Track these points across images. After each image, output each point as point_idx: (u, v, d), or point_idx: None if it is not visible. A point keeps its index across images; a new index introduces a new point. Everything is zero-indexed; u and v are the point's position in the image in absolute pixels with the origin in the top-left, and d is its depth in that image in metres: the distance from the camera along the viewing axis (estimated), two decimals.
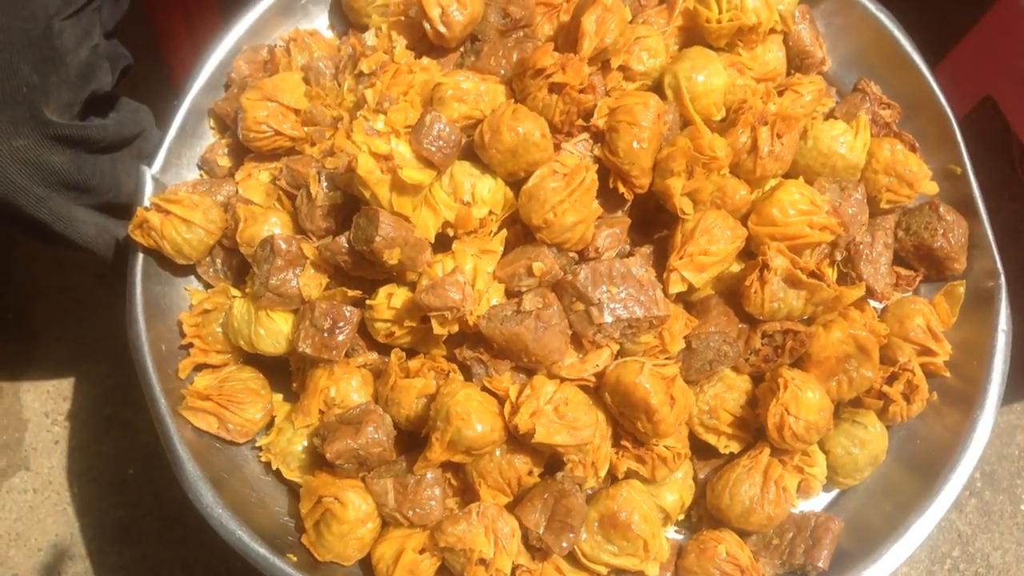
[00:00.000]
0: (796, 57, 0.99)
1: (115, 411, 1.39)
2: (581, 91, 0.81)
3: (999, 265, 0.90)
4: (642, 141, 0.80)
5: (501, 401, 0.77)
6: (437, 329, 0.77)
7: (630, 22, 0.96)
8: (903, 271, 0.92)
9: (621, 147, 0.80)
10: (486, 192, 0.80)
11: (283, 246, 0.81)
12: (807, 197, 0.83)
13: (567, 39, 0.87)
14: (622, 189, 0.82)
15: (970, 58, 1.54)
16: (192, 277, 0.92)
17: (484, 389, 0.78)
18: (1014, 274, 1.53)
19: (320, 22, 1.02)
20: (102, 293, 1.46)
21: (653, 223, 0.87)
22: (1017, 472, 1.43)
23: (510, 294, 0.80)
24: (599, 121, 0.82)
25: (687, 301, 0.86)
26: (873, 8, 1.00)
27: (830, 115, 0.97)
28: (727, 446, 0.83)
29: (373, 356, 0.83)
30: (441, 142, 0.78)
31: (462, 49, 0.91)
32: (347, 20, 1.00)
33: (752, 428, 0.83)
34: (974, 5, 1.53)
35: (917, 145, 0.95)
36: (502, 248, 0.81)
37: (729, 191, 0.84)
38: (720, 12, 0.91)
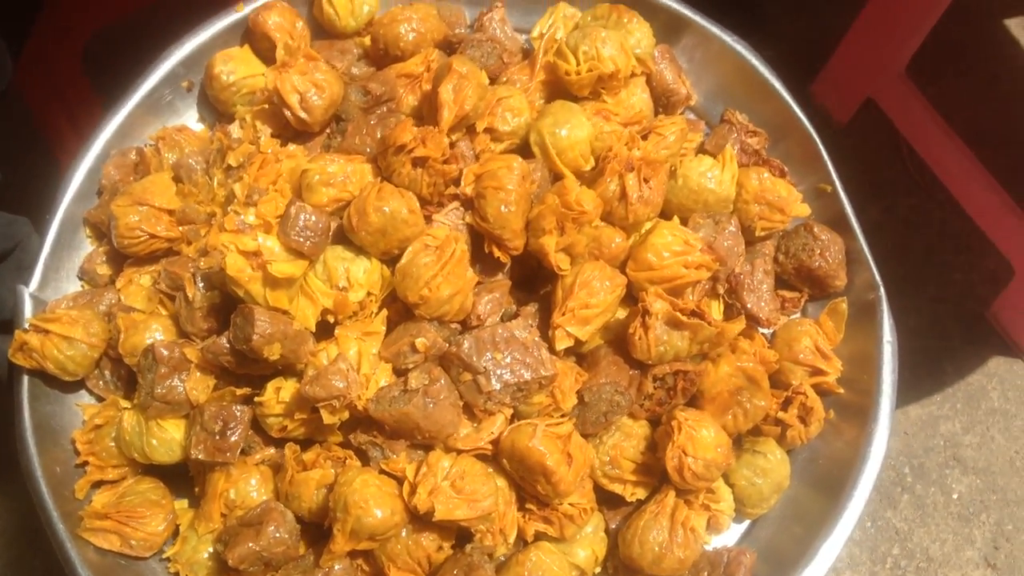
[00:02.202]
0: (662, 96, 1.01)
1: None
2: (444, 162, 0.82)
3: (877, 277, 0.92)
4: (509, 204, 0.81)
5: (400, 482, 0.77)
6: (327, 419, 0.76)
7: (495, 81, 0.98)
8: (788, 294, 0.94)
9: (490, 212, 0.81)
10: (361, 274, 0.80)
11: (165, 353, 0.80)
12: (680, 238, 0.85)
13: (431, 109, 0.88)
14: (497, 253, 0.83)
15: (848, 63, 1.59)
16: (83, 391, 0.91)
17: (382, 472, 0.78)
18: (914, 267, 1.58)
19: (189, 116, 1.02)
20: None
21: (537, 279, 0.88)
22: (945, 462, 1.46)
23: (398, 372, 0.80)
24: (467, 189, 0.83)
25: (578, 353, 0.87)
26: (730, 40, 1.02)
27: (701, 148, 0.99)
28: (633, 493, 0.83)
29: (271, 451, 0.83)
30: (308, 231, 0.78)
31: (328, 131, 0.91)
32: (217, 111, 1.00)
33: (656, 472, 0.83)
34: (849, 10, 1.58)
35: (786, 169, 0.97)
36: (384, 328, 0.81)
37: (605, 240, 0.85)
38: (578, 64, 0.92)
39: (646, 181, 0.86)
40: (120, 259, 0.92)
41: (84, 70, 1.39)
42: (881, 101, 1.56)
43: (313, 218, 0.78)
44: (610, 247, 0.85)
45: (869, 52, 1.54)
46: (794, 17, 1.79)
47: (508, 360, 0.79)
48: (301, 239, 0.77)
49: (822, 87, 1.67)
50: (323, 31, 1.02)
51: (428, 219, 0.84)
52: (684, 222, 0.91)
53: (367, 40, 0.99)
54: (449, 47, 1.02)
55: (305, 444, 0.82)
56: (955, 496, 1.43)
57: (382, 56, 0.97)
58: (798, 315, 0.96)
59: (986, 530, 1.41)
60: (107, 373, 0.89)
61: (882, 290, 0.92)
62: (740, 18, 1.74)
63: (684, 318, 0.81)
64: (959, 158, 1.45)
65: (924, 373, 1.52)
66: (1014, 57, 1.75)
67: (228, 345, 0.78)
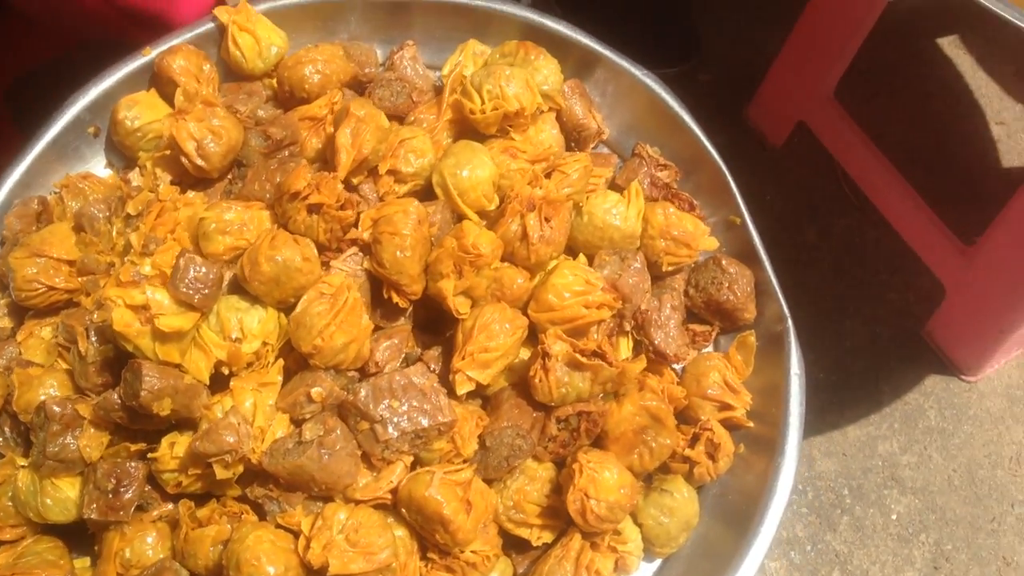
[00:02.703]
0: (573, 131, 1.01)
1: None
2: (340, 207, 0.82)
3: (785, 309, 0.92)
4: (405, 250, 0.80)
5: (296, 536, 0.76)
6: (220, 474, 0.75)
7: (404, 120, 0.98)
8: (698, 327, 0.94)
9: (386, 258, 0.80)
10: (255, 325, 0.79)
11: (57, 410, 0.78)
12: (581, 277, 0.84)
13: (331, 153, 0.87)
14: (396, 299, 0.82)
15: (779, 88, 1.60)
16: None
17: (279, 526, 0.76)
18: (851, 287, 1.58)
19: (96, 162, 1.00)
20: None
21: (443, 321, 0.87)
22: (883, 483, 1.46)
23: (296, 423, 0.79)
24: (364, 234, 0.83)
25: (484, 396, 0.86)
26: (639, 75, 1.02)
27: (612, 183, 0.99)
28: (539, 537, 0.82)
29: (169, 507, 0.81)
30: (199, 283, 0.77)
31: (230, 176, 0.91)
32: (125, 156, 0.99)
33: (563, 515, 0.83)
34: (782, 35, 1.59)
35: (695, 202, 0.97)
36: (281, 378, 0.80)
37: (507, 281, 0.85)
38: (483, 102, 0.92)
39: (547, 220, 0.85)
40: (21, 312, 0.91)
41: (8, 115, 1.37)
42: (812, 124, 1.58)
43: (203, 270, 0.77)
44: (512, 288, 0.84)
45: (798, 77, 1.55)
46: (730, 41, 1.80)
47: (405, 408, 0.78)
48: (191, 291, 0.76)
49: (756, 111, 1.69)
50: (233, 73, 1.01)
51: (326, 265, 0.83)
52: (591, 259, 0.91)
53: (275, 82, 0.99)
54: (360, 87, 1.02)
55: (204, 498, 0.81)
56: (894, 517, 1.43)
57: (289, 98, 0.96)
58: (710, 348, 0.95)
59: (925, 550, 1.42)
60: (6, 429, 0.87)
61: (790, 322, 0.92)
62: (678, 43, 1.76)
63: (584, 359, 0.80)
64: (888, 180, 1.47)
65: (862, 394, 1.52)
66: (945, 76, 1.77)
67: (119, 401, 0.77)
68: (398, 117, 0.99)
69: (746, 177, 1.68)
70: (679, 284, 0.94)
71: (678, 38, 1.76)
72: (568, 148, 1.02)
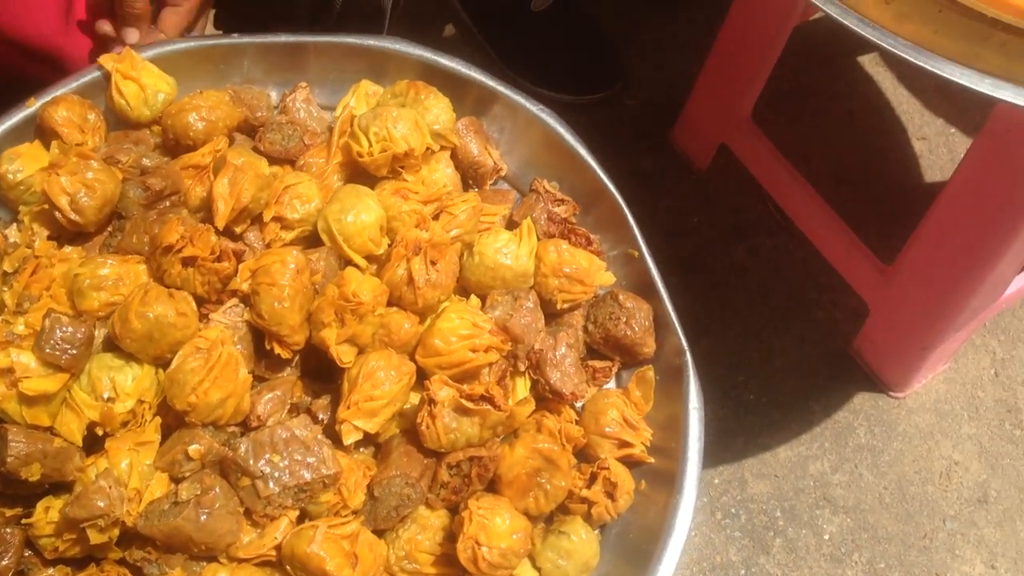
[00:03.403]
0: (469, 169, 1.00)
1: None
2: (216, 259, 0.80)
3: (684, 342, 0.91)
4: (283, 300, 0.79)
5: None
6: (95, 538, 0.73)
7: (296, 164, 0.97)
8: (598, 363, 0.93)
9: (264, 309, 0.79)
10: (129, 383, 0.77)
11: None
12: (468, 321, 0.83)
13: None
14: (278, 350, 0.81)
15: (699, 111, 1.61)
16: None
17: None
18: (779, 307, 1.59)
19: None
20: None
21: (334, 368, 0.86)
22: (815, 503, 1.45)
23: (176, 481, 0.78)
24: (243, 285, 0.81)
25: (377, 443, 0.85)
26: (535, 110, 1.02)
27: (510, 219, 0.98)
28: None
29: (50, 572, 0.79)
30: (66, 344, 0.75)
31: (110, 229, 0.89)
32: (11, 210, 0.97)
33: (458, 562, 0.81)
34: (702, 59, 1.60)
35: (592, 237, 0.97)
36: (159, 436, 0.78)
37: (394, 327, 0.83)
38: (370, 145, 0.91)
39: (433, 264, 0.84)
40: None
41: None
42: (733, 147, 1.58)
43: (70, 330, 0.75)
44: (400, 334, 0.83)
45: (716, 101, 1.56)
46: (655, 66, 1.81)
47: (287, 462, 0.76)
48: (57, 352, 0.74)
49: (681, 134, 1.69)
50: (122, 121, 1.00)
51: (205, 318, 0.81)
52: (484, 299, 0.90)
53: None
54: (251, 131, 1.00)
55: (84, 562, 0.79)
56: (826, 537, 1.43)
57: (175, 146, 0.95)
58: (612, 384, 0.95)
59: (859, 570, 1.41)
60: None
61: (688, 355, 0.91)
62: (602, 69, 1.77)
63: (471, 404, 0.79)
64: (808, 200, 1.47)
65: (793, 414, 1.52)
66: (867, 93, 1.78)
67: None
68: (290, 161, 0.98)
69: (673, 200, 1.70)
70: (577, 320, 0.94)
71: (602, 65, 1.76)
72: (465, 186, 1.01)
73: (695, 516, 1.38)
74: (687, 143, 1.68)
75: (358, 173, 0.95)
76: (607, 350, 0.93)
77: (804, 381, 1.54)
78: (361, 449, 0.85)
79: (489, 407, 0.80)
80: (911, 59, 0.83)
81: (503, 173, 1.03)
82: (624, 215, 0.97)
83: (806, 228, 1.50)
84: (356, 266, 0.87)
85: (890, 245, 1.44)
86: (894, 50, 0.84)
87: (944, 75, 0.82)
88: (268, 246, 0.88)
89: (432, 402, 0.79)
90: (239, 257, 0.86)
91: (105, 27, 1.01)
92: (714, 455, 1.49)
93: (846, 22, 0.85)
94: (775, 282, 1.62)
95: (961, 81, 0.82)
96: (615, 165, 1.72)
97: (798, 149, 1.69)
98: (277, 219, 0.88)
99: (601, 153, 1.75)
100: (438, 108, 0.97)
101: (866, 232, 1.57)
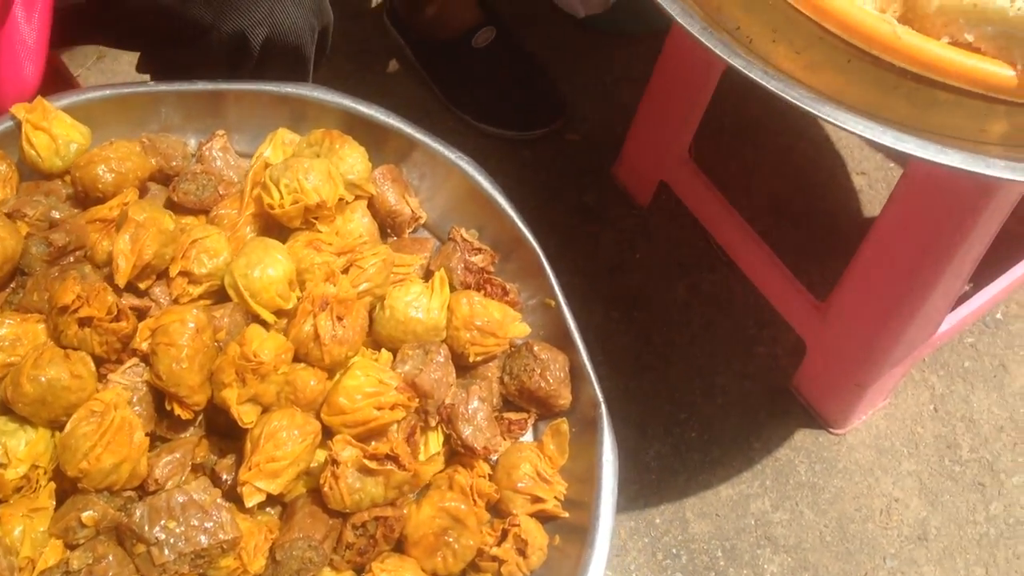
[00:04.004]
0: (387, 218, 1.00)
1: None
2: (114, 319, 0.79)
3: (599, 394, 0.91)
4: (181, 361, 0.78)
5: None
6: None
7: (209, 214, 0.95)
8: (514, 416, 0.92)
9: (163, 370, 0.78)
10: (22, 448, 0.76)
11: None
12: (374, 378, 0.82)
13: None
14: (178, 411, 0.79)
15: (638, 149, 1.61)
16: None
17: None
18: (721, 344, 1.59)
19: None
20: None
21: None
22: (756, 542, 1.45)
23: (72, 548, 0.76)
24: (142, 344, 0.80)
25: (283, 503, 0.83)
26: (454, 158, 1.01)
27: (427, 269, 0.98)
28: None
29: None
30: None
31: (13, 285, 0.87)
32: None
33: None
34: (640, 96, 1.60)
35: (509, 287, 0.96)
36: (54, 502, 0.77)
37: (300, 385, 0.82)
38: (281, 197, 0.90)
39: (340, 319, 0.83)
40: None
41: None
42: (672, 184, 1.59)
43: None
44: (306, 391, 0.82)
45: (654, 138, 1.57)
46: (595, 101, 1.82)
47: (183, 528, 0.75)
48: None
49: (622, 170, 1.69)
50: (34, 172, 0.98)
51: (104, 378, 0.80)
52: (396, 353, 0.89)
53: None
54: (167, 180, 0.99)
55: None
56: None
57: (85, 198, 0.93)
58: (529, 435, 0.94)
59: None
60: None
61: (603, 407, 0.90)
62: (542, 106, 1.77)
63: (374, 465, 0.78)
64: (744, 237, 1.48)
65: (734, 451, 1.52)
66: (808, 129, 1.80)
67: None
68: (204, 211, 0.96)
69: (616, 235, 1.70)
70: (492, 372, 0.93)
71: (544, 101, 1.77)
72: (384, 235, 1.01)
73: (635, 559, 1.38)
74: (628, 179, 1.68)
75: (271, 224, 0.94)
76: (523, 402, 0.93)
77: (745, 418, 1.54)
78: (268, 509, 0.83)
79: (393, 467, 0.78)
80: (811, 111, 0.83)
81: (423, 221, 1.02)
82: (542, 264, 0.97)
83: (744, 265, 1.51)
84: (264, 322, 0.85)
85: (830, 280, 1.45)
86: (795, 102, 0.84)
87: (844, 127, 0.82)
88: (175, 301, 0.87)
89: (335, 462, 0.78)
90: (143, 314, 0.84)
91: None
92: (656, 494, 1.48)
93: (751, 75, 0.85)
94: (717, 318, 1.62)
95: (862, 133, 0.82)
96: (558, 200, 1.74)
97: (739, 183, 1.71)
98: (184, 274, 0.86)
99: (544, 188, 1.76)
100: (353, 157, 0.96)
101: (806, 267, 1.58)
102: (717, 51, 0.87)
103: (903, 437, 1.52)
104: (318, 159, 0.94)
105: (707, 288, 1.64)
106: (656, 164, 1.58)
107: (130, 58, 1.26)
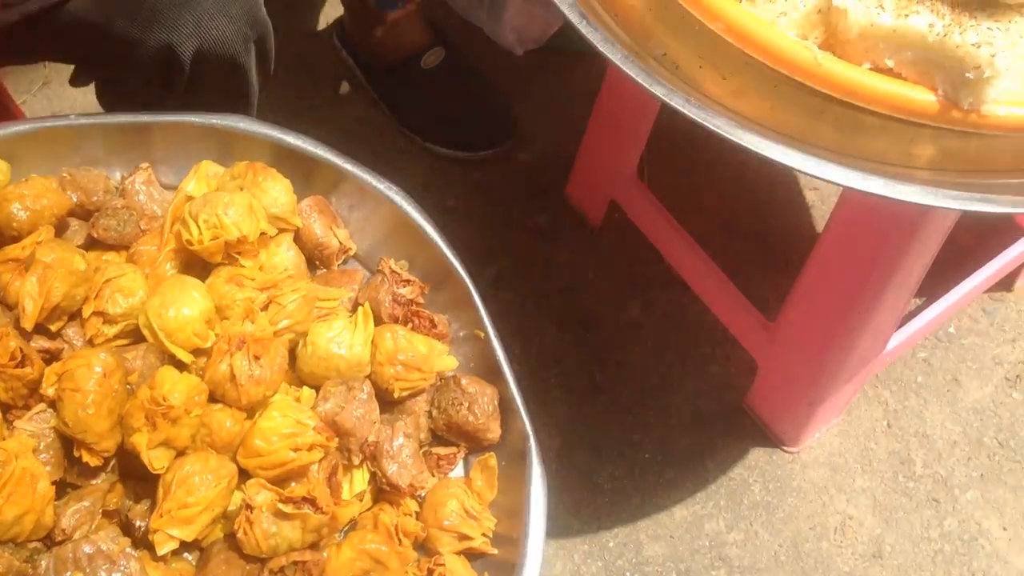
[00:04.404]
0: (314, 250, 0.98)
1: None
2: (18, 364, 0.77)
3: (528, 427, 0.89)
4: (88, 407, 0.76)
5: None
6: None
7: (129, 250, 0.94)
8: (443, 451, 0.91)
9: (69, 417, 0.76)
10: None
11: None
12: (291, 419, 0.80)
13: None
14: (87, 458, 0.77)
15: (588, 169, 1.60)
16: None
17: None
18: (674, 362, 1.57)
19: None
20: None
21: None
22: (711, 563, 1.44)
23: None
24: (48, 390, 0.78)
25: (202, 547, 0.81)
26: (382, 188, 1.00)
27: (355, 302, 0.96)
28: None
29: None
30: None
31: None
32: None
33: None
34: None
35: (438, 319, 0.95)
36: None
37: (216, 427, 0.80)
38: (200, 232, 0.89)
39: (257, 359, 0.82)
40: None
41: None
42: (622, 203, 1.58)
43: None
44: (222, 433, 0.80)
45: (602, 158, 1.56)
46: (546, 120, 1.81)
47: None
48: None
49: (574, 189, 1.68)
50: None
51: (11, 425, 0.78)
52: (319, 390, 0.87)
53: None
54: (88, 216, 0.97)
55: None
56: None
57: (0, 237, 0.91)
58: (460, 469, 0.92)
59: None
60: None
61: (532, 440, 0.89)
62: (492, 125, 1.76)
63: (289, 509, 0.76)
64: (694, 257, 1.47)
65: (688, 471, 1.51)
66: None
67: None
68: (125, 247, 0.95)
69: (569, 255, 1.69)
70: (419, 407, 0.91)
71: (495, 120, 1.76)
72: (312, 267, 0.99)
73: None
74: (580, 199, 1.67)
75: (193, 260, 0.92)
76: (451, 436, 0.91)
77: (699, 438, 1.53)
78: (186, 555, 0.81)
79: (310, 510, 0.77)
80: (731, 138, 0.82)
81: (352, 252, 1.01)
82: (471, 295, 0.95)
83: (694, 285, 1.50)
84: (180, 362, 0.83)
85: (783, 296, 1.44)
86: (716, 130, 0.83)
87: (765, 154, 0.81)
88: (90, 343, 0.85)
89: (249, 507, 0.76)
90: (55, 357, 0.82)
91: None
92: (609, 516, 1.47)
93: (672, 103, 0.84)
94: (670, 337, 1.61)
95: (783, 160, 0.82)
96: (511, 221, 1.72)
97: (691, 200, 1.70)
98: (99, 314, 0.85)
99: (496, 209, 1.74)
100: (276, 190, 0.95)
101: (758, 284, 1.57)
102: (639, 80, 0.86)
103: (857, 454, 1.51)
104: (239, 193, 0.92)
105: (660, 307, 1.63)
106: (606, 184, 1.57)
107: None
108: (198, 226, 0.89)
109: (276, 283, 0.90)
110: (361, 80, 1.82)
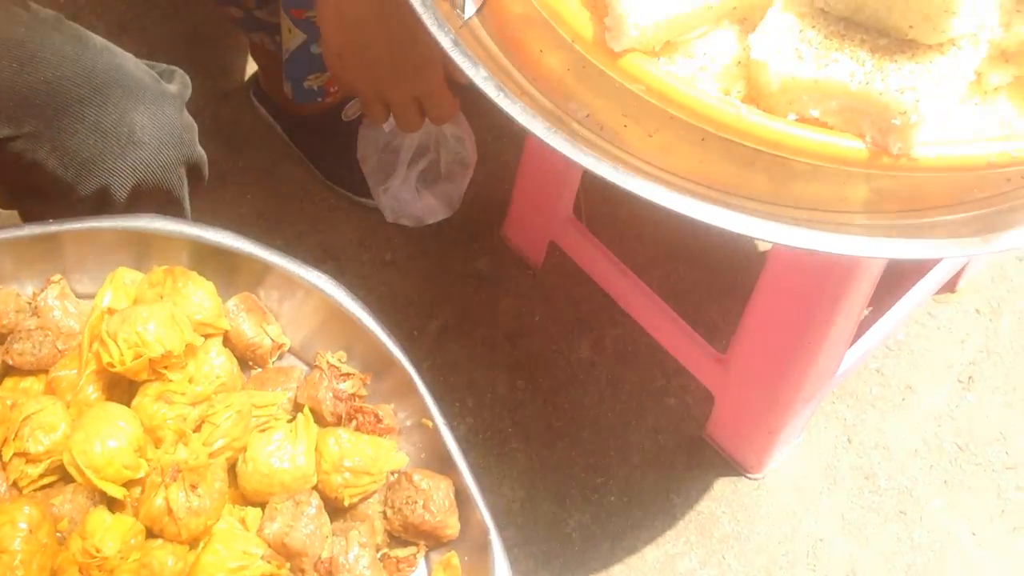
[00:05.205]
0: (247, 351, 0.94)
1: None
2: None
3: (487, 519, 0.86)
4: (16, 569, 0.71)
5: None
6: None
7: (49, 374, 0.88)
8: (402, 553, 0.87)
9: None
10: None
11: None
12: (236, 550, 0.76)
13: None
14: None
15: (524, 210, 1.57)
16: None
17: None
18: (630, 398, 1.55)
19: None
20: None
21: None
22: None
23: None
24: None
25: None
26: (310, 277, 0.96)
27: (296, 402, 0.92)
28: None
29: None
30: None
31: None
32: None
33: None
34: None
35: (382, 412, 0.91)
36: None
37: (156, 567, 0.76)
38: (121, 353, 0.84)
39: (194, 488, 0.77)
40: None
41: None
42: (561, 244, 1.55)
43: None
44: (163, 573, 0.76)
45: (537, 199, 1.53)
46: (478, 162, 1.77)
47: None
48: None
49: (511, 231, 1.66)
50: None
51: None
52: (264, 507, 0.83)
53: None
54: (2, 340, 0.92)
55: None
56: None
57: None
58: (422, 568, 0.88)
59: None
60: None
61: (494, 533, 0.85)
62: None
63: None
64: (638, 293, 1.45)
65: (655, 510, 1.49)
66: None
67: None
68: (43, 371, 0.89)
69: (513, 300, 1.66)
70: (373, 508, 0.87)
71: None
72: (244, 367, 0.94)
73: None
74: (519, 240, 1.64)
75: (117, 379, 0.87)
76: (409, 536, 0.87)
77: (663, 473, 1.51)
78: None
79: None
80: (661, 204, 0.80)
81: (286, 348, 0.96)
82: (415, 384, 0.92)
83: (643, 322, 1.48)
84: (112, 498, 0.79)
85: (731, 320, 1.43)
86: (639, 193, 0.81)
87: (689, 215, 0.80)
88: (14, 486, 0.79)
89: None
90: None
91: None
92: (581, 566, 1.44)
93: (599, 172, 0.82)
94: (623, 373, 1.59)
95: (710, 221, 0.80)
96: (450, 269, 1.69)
97: (631, 230, 1.68)
98: (20, 455, 0.79)
99: (435, 257, 1.71)
100: (199, 295, 0.90)
101: (707, 310, 1.56)
102: (564, 151, 0.84)
103: (820, 473, 1.50)
104: (159, 304, 0.87)
105: (610, 343, 1.61)
106: (543, 225, 1.54)
107: None
108: (118, 346, 0.84)
109: (208, 397, 0.86)
110: (283, 137, 1.77)
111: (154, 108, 1.04)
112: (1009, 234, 0.81)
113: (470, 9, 0.94)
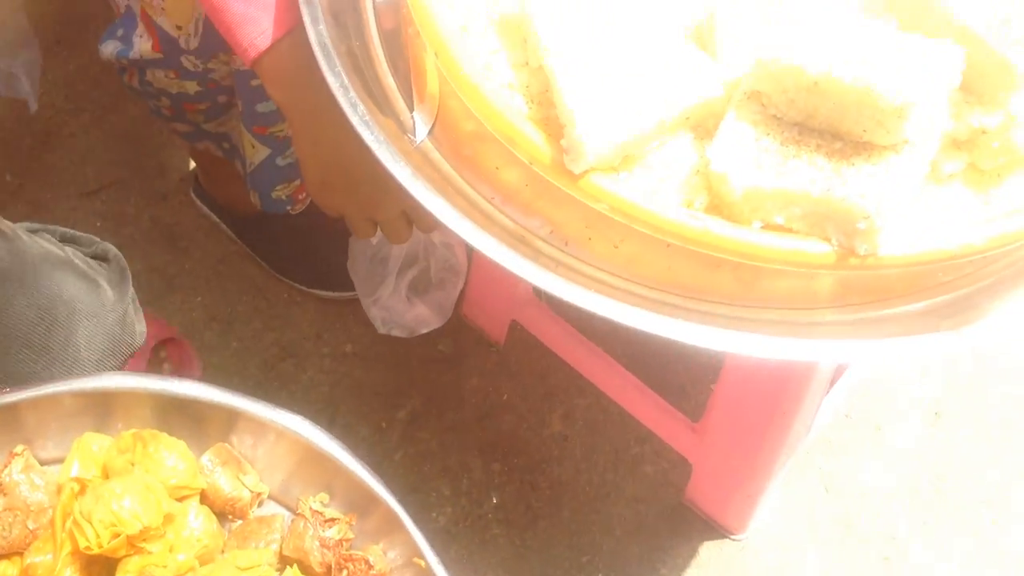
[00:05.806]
0: (225, 505, 0.91)
1: None
2: None
3: None
4: None
5: None
6: None
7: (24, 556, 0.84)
8: None
9: None
10: None
11: None
12: None
13: None
14: None
15: (482, 290, 1.56)
16: None
17: None
18: (606, 470, 1.55)
19: None
20: None
21: None
22: None
23: None
24: None
25: None
26: (280, 420, 0.93)
27: (281, 554, 0.89)
28: None
29: None
30: None
31: None
32: None
33: None
34: None
35: (372, 558, 0.88)
36: None
37: None
38: (98, 535, 0.80)
39: None
40: None
41: None
42: (524, 324, 1.54)
43: None
44: None
45: (494, 284, 1.52)
46: None
47: None
48: None
49: (471, 311, 1.64)
50: None
51: None
52: None
53: None
54: None
55: None
56: None
57: None
58: None
59: None
60: None
61: None
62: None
63: None
64: (607, 367, 1.44)
65: None
66: None
67: None
68: (17, 553, 0.85)
69: (479, 380, 1.64)
70: None
71: None
72: (224, 521, 0.92)
73: None
74: (480, 319, 1.63)
75: (94, 558, 0.83)
76: None
77: (648, 544, 1.51)
78: None
79: None
80: (621, 321, 0.80)
81: (265, 495, 0.94)
82: (401, 522, 0.90)
83: (612, 394, 1.48)
84: None
85: (700, 385, 1.44)
86: (606, 315, 0.81)
87: (657, 333, 0.80)
88: None
89: None
90: None
91: None
92: None
93: (570, 299, 0.82)
94: (597, 444, 1.58)
95: (680, 339, 0.80)
96: (413, 355, 1.67)
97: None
98: None
99: (396, 345, 1.68)
100: (172, 458, 0.87)
101: (675, 372, 1.57)
102: (533, 280, 0.83)
103: (803, 527, 1.51)
104: (131, 476, 0.84)
105: (581, 414, 1.60)
106: (504, 306, 1.53)
107: None
108: (93, 527, 0.80)
109: (192, 567, 0.83)
110: (228, 233, 1.74)
111: (96, 320, 1.01)
112: (979, 323, 0.82)
113: (421, 132, 0.94)
